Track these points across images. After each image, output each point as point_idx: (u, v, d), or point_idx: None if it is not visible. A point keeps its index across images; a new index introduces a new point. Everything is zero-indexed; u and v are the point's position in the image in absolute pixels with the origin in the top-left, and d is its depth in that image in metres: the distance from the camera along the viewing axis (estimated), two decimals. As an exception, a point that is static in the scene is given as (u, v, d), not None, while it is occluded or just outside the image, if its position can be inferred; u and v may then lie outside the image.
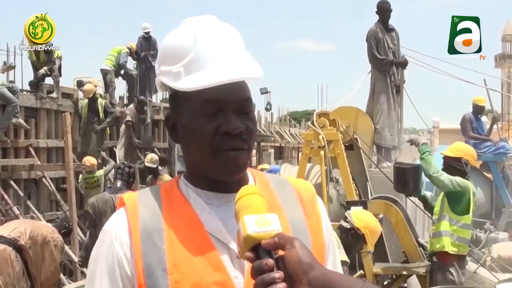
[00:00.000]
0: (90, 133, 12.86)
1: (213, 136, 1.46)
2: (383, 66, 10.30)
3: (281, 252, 1.28)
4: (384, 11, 10.45)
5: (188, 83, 1.45)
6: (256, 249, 1.26)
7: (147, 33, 16.12)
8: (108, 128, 13.90)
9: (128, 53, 15.45)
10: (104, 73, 15.03)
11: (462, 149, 7.06)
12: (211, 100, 1.45)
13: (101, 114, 13.01)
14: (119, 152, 13.79)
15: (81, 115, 12.86)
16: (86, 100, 13.01)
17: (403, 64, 10.48)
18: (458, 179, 6.68)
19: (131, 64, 16.34)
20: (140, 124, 14.75)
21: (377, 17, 10.59)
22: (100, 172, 11.51)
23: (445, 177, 6.67)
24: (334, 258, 1.66)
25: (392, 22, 10.70)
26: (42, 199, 11.70)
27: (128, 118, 13.97)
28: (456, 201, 6.72)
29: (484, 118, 12.76)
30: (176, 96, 1.53)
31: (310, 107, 37.14)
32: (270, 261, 1.24)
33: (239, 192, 1.35)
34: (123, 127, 14.16)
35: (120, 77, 15.72)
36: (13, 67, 12.45)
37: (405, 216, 7.81)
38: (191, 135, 1.50)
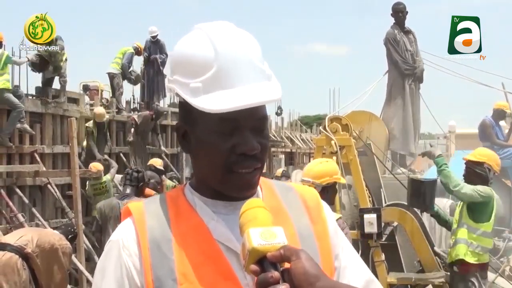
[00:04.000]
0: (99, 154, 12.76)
1: (229, 155, 1.45)
2: (407, 71, 10.17)
3: (286, 265, 1.27)
4: (398, 13, 10.35)
5: (208, 104, 1.41)
6: (261, 262, 1.26)
7: (154, 37, 16.03)
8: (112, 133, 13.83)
9: (134, 53, 15.32)
10: (111, 76, 14.98)
11: (485, 154, 6.82)
12: (229, 119, 1.43)
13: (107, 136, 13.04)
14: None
15: (87, 132, 12.71)
16: (92, 122, 12.87)
17: (420, 79, 10.35)
18: (480, 188, 6.44)
19: (138, 64, 16.21)
20: (150, 131, 14.65)
21: (393, 20, 10.46)
22: (107, 177, 11.37)
23: (468, 189, 6.44)
24: (350, 253, 1.66)
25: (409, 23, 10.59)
26: (47, 206, 11.56)
27: (133, 117, 13.99)
28: (478, 210, 6.49)
29: (502, 123, 12.49)
30: (189, 108, 1.47)
31: (322, 112, 37.05)
32: (276, 274, 1.23)
33: (243, 205, 1.34)
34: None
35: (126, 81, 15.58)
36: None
37: (420, 224, 7.75)
38: (204, 151, 1.48)
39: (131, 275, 1.46)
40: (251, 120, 1.45)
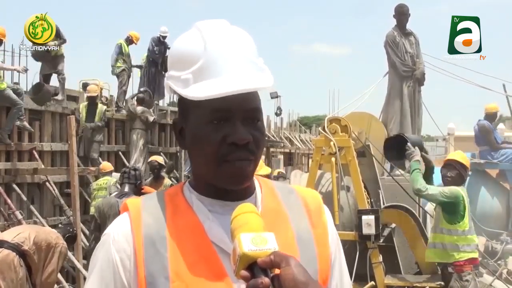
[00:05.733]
0: (86, 137, 12.73)
1: (220, 145, 1.44)
2: (404, 73, 10.14)
3: (277, 271, 1.26)
4: (401, 15, 10.31)
5: (196, 92, 1.43)
6: (252, 268, 1.26)
7: (164, 37, 15.94)
8: (111, 131, 13.77)
9: (122, 44, 15.27)
10: (117, 75, 14.98)
11: (467, 158, 7.03)
12: (219, 109, 1.44)
13: (97, 118, 12.82)
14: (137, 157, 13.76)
15: (78, 118, 12.66)
16: (85, 103, 12.86)
17: (421, 81, 10.31)
18: (446, 189, 6.64)
19: (136, 52, 16.19)
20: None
21: (395, 22, 10.43)
22: (112, 179, 11.32)
23: (434, 190, 6.66)
24: (341, 268, 1.64)
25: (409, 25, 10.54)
26: (45, 203, 11.55)
27: (151, 118, 13.97)
28: (451, 211, 6.62)
29: (501, 125, 12.53)
30: (184, 102, 1.51)
31: (321, 112, 37.12)
32: (266, 280, 1.23)
33: (235, 210, 1.34)
34: (134, 135, 14.09)
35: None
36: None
37: (418, 226, 7.74)
38: (197, 143, 1.48)
39: (117, 269, 1.46)
40: (242, 111, 1.45)
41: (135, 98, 14.97)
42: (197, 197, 1.52)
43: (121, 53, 15.18)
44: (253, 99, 1.48)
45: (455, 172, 6.73)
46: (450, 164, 6.79)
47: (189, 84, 1.45)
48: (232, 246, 1.35)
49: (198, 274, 1.42)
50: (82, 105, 12.85)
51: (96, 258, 1.51)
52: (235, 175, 1.46)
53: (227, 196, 1.50)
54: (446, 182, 6.77)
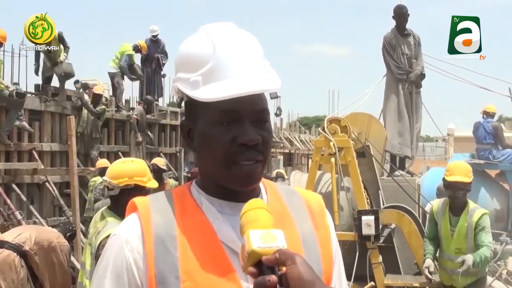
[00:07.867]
0: (89, 135, 12.76)
1: (229, 146, 1.46)
2: (399, 76, 10.11)
3: (285, 269, 1.26)
4: (400, 16, 10.23)
5: (206, 94, 1.45)
6: (260, 265, 1.25)
7: (155, 36, 15.99)
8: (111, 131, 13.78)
9: (132, 54, 15.20)
10: (111, 76, 14.95)
11: (470, 170, 6.54)
12: (228, 111, 1.46)
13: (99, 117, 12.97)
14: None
15: (80, 115, 12.68)
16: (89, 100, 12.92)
17: (417, 83, 10.26)
18: (485, 224, 6.24)
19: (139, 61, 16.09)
20: (147, 127, 14.65)
21: (394, 22, 10.38)
22: (98, 179, 11.33)
23: (488, 248, 6.18)
24: (339, 269, 1.66)
25: (410, 26, 10.48)
26: (45, 204, 11.57)
27: (134, 116, 13.95)
28: None
29: (503, 127, 12.58)
30: (192, 104, 1.53)
31: (321, 113, 37.15)
32: (273, 278, 1.23)
33: (245, 205, 1.35)
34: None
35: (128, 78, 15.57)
36: None
37: (418, 227, 7.74)
38: (206, 144, 1.50)
39: (130, 269, 1.46)
40: (251, 112, 1.47)
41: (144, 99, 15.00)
42: (206, 198, 1.53)
43: (129, 63, 15.07)
44: (261, 101, 1.50)
45: (462, 194, 6.37)
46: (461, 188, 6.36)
47: (199, 86, 1.47)
48: (238, 246, 1.35)
49: (208, 274, 1.43)
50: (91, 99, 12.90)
51: (107, 260, 1.51)
52: (244, 177, 1.47)
53: (236, 197, 1.51)
54: (462, 203, 6.40)
